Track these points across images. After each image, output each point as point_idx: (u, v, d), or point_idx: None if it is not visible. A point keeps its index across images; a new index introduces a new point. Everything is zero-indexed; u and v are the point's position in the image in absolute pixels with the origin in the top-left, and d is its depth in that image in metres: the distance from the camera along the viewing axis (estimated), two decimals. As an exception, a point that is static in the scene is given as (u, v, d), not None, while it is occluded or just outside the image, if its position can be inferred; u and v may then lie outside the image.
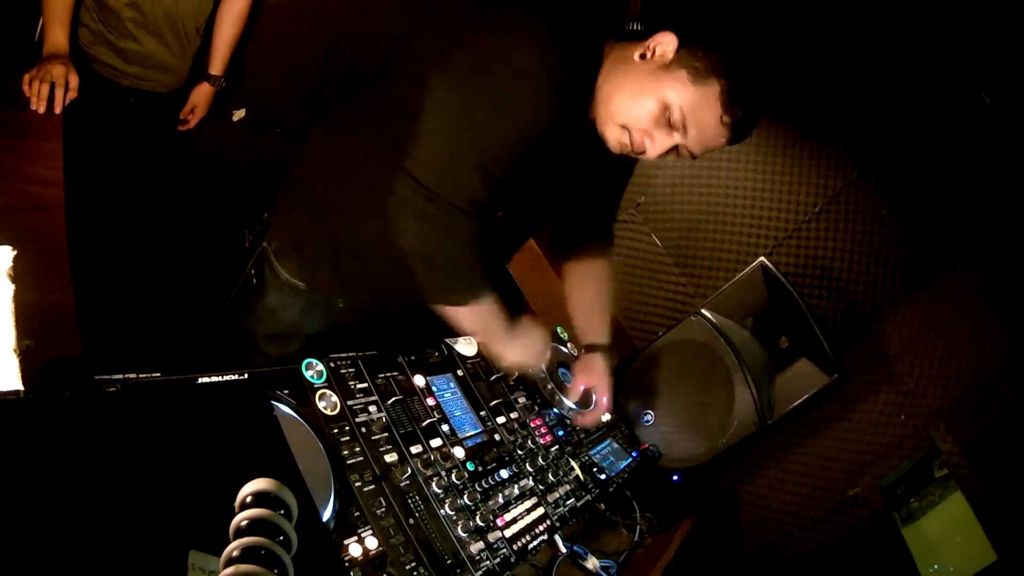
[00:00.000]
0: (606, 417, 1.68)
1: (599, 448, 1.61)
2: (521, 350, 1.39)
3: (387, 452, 1.11)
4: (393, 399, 1.20)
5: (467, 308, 1.23)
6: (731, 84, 1.07)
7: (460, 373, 1.41)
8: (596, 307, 1.60)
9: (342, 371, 1.16)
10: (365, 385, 1.18)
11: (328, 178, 1.32)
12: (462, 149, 1.08)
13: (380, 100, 1.28)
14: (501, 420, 1.40)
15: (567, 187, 1.39)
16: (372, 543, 0.97)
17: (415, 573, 0.99)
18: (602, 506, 1.50)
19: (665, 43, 1.10)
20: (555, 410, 1.56)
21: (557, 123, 1.12)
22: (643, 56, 1.12)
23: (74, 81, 1.55)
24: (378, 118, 1.24)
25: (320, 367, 1.13)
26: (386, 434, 1.13)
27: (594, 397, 1.60)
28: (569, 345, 1.70)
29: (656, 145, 1.14)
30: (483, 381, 1.45)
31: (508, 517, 1.21)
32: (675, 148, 1.16)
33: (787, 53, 2.11)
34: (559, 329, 1.80)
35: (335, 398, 1.11)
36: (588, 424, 1.60)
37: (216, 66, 2.10)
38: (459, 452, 1.23)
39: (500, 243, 1.46)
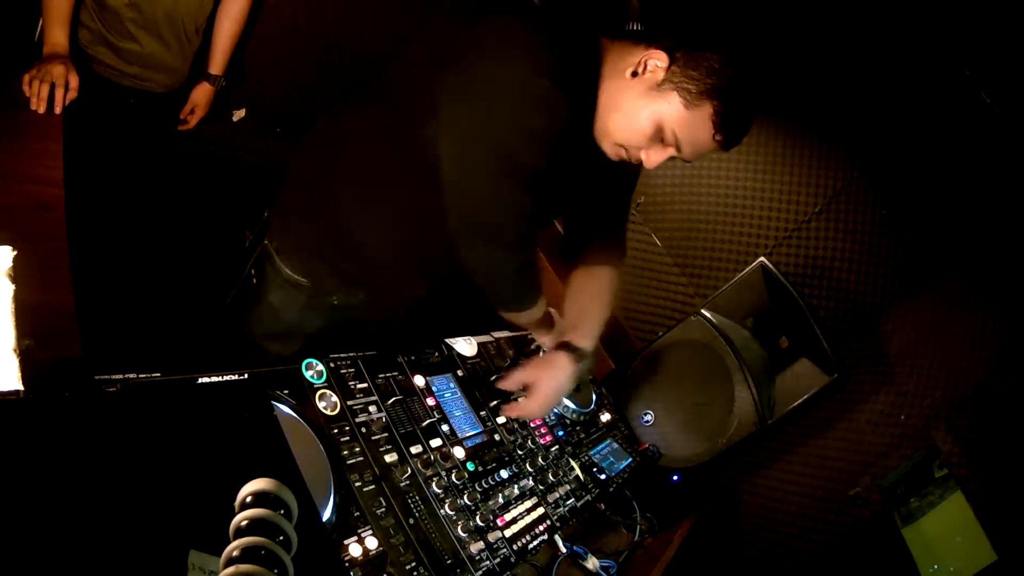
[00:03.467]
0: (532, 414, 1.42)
1: (599, 448, 1.61)
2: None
3: (387, 452, 1.11)
4: (393, 399, 1.20)
5: (524, 312, 1.33)
6: (723, 106, 1.09)
7: (460, 373, 1.41)
8: (588, 307, 1.43)
9: (342, 371, 1.16)
10: (365, 385, 1.18)
11: (326, 175, 1.32)
12: (493, 172, 1.09)
13: (381, 101, 1.28)
14: (501, 420, 1.40)
15: (574, 183, 1.38)
16: (372, 543, 0.97)
17: (415, 573, 0.99)
18: (602, 506, 1.50)
19: (656, 60, 1.11)
20: (555, 410, 1.56)
21: (566, 127, 1.13)
22: (635, 73, 1.13)
23: (74, 81, 1.55)
24: (380, 118, 1.25)
25: (320, 367, 1.13)
26: (386, 434, 1.13)
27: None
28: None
29: (652, 158, 1.19)
30: (483, 381, 1.45)
31: (508, 517, 1.21)
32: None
33: (787, 53, 2.10)
34: None
35: (335, 398, 1.11)
36: (511, 415, 1.40)
37: (216, 66, 2.09)
38: (459, 452, 1.23)
39: None
